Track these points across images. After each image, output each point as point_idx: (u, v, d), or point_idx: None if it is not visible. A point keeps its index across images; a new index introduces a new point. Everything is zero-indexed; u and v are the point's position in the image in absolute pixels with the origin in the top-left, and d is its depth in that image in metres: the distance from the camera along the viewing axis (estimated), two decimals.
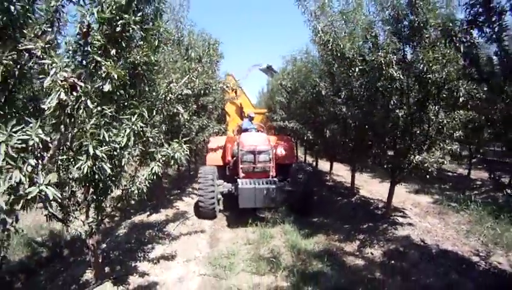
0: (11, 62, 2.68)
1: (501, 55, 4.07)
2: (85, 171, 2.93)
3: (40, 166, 2.43)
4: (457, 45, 5.09)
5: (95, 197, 3.78)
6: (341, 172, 15.58)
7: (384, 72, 6.34)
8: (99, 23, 3.10)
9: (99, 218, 4.09)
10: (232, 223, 9.50)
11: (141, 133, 3.58)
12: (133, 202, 11.23)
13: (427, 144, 6.86)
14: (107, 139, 3.09)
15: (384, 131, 7.26)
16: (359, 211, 9.43)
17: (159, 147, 4.21)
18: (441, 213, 9.15)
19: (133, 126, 3.42)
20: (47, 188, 2.31)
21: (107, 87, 3.16)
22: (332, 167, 14.26)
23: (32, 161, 2.33)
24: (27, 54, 2.87)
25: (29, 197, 2.17)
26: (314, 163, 18.51)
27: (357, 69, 6.97)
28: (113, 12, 3.08)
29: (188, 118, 8.93)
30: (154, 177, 4.17)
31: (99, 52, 3.18)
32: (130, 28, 3.23)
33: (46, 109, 2.62)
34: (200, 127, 10.81)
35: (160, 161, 4.09)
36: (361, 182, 13.26)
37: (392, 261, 6.47)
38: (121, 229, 8.57)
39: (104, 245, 7.21)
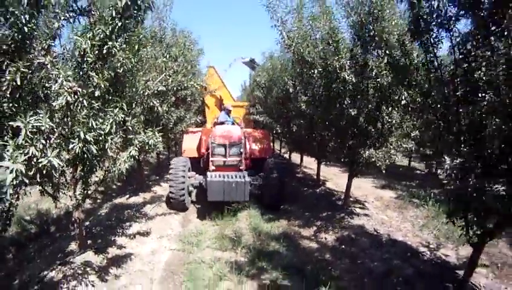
0: (26, 69, 3.57)
1: (427, 65, 4.86)
2: (77, 151, 3.80)
3: (48, 144, 3.39)
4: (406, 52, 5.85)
5: (82, 174, 4.65)
6: (312, 165, 16.52)
7: (338, 74, 7.21)
8: (91, 46, 4.10)
9: (85, 192, 4.94)
10: (203, 211, 9.90)
11: (121, 122, 4.49)
12: (114, 186, 12.05)
13: (380, 141, 7.75)
14: (95, 127, 4.02)
15: (340, 128, 8.10)
16: (322, 201, 10.27)
17: (137, 134, 5.06)
18: (400, 207, 9.86)
19: (115, 117, 4.31)
20: (53, 159, 3.21)
21: (97, 93, 4.19)
22: (302, 160, 15.15)
23: (43, 141, 3.28)
24: (38, 65, 3.80)
25: (40, 165, 3.05)
26: (288, 156, 19.45)
27: (316, 71, 7.82)
28: (101, 39, 4.11)
29: (167, 110, 9.57)
30: (132, 159, 5.00)
31: (91, 67, 4.19)
32: (114, 50, 4.22)
33: (56, 106, 3.66)
34: (178, 118, 11.19)
35: (137, 146, 4.95)
36: (331, 175, 14.19)
37: (343, 246, 7.33)
38: (102, 209, 9.37)
39: (87, 223, 7.97)
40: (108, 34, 4.06)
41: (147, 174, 14.37)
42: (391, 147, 7.64)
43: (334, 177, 13.91)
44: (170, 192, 9.60)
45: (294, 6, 8.03)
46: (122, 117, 4.46)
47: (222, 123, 11.48)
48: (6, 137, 3.19)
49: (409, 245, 6.98)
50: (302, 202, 10.63)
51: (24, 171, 2.67)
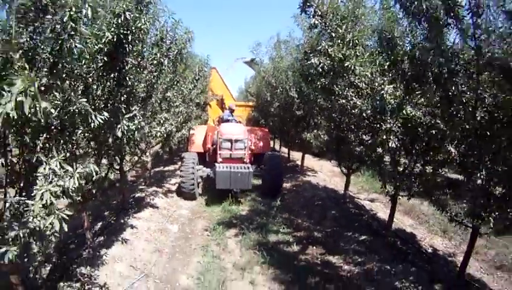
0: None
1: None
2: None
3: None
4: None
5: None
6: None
7: (288, 93, 12.61)
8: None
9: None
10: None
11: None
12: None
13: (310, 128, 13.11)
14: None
15: (291, 125, 13.69)
16: (290, 170, 15.47)
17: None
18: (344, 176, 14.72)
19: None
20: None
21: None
22: (289, 153, 19.34)
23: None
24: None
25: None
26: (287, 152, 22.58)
27: (278, 91, 13.40)
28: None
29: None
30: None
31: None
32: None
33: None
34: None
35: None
36: (312, 162, 18.57)
37: (294, 188, 12.63)
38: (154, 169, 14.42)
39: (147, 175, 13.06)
40: None
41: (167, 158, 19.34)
42: (319, 132, 12.52)
43: (315, 164, 18.33)
44: (182, 182, 10.93)
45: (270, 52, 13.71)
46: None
47: (227, 121, 12.69)
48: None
49: (334, 191, 12.13)
50: None
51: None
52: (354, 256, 7.17)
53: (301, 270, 6.63)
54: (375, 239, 7.77)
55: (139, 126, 4.83)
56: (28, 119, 2.63)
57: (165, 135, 8.76)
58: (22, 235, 2.88)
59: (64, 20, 2.93)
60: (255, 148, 12.45)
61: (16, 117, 2.20)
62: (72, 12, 2.92)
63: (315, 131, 12.64)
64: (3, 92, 2.19)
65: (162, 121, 7.90)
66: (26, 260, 4.78)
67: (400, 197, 6.87)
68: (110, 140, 4.55)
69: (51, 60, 3.17)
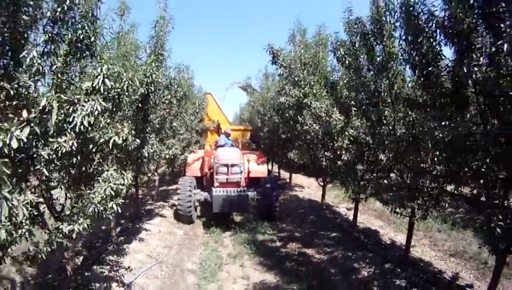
0: None
1: None
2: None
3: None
4: None
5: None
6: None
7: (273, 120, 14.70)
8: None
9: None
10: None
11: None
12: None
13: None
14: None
15: (278, 146, 15.64)
16: (280, 187, 17.00)
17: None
18: (330, 190, 15.80)
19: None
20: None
21: None
22: (279, 171, 21.63)
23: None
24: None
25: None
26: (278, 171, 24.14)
27: (266, 118, 15.40)
28: None
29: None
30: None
31: None
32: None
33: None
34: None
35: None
36: (302, 179, 20.36)
37: (282, 201, 14.33)
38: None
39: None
40: None
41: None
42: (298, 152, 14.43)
43: (304, 181, 20.52)
44: (179, 205, 11.14)
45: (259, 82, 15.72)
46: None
47: (223, 145, 12.92)
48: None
49: (316, 201, 14.00)
50: None
51: None
52: (324, 248, 9.07)
53: (281, 258, 8.48)
54: (343, 235, 9.71)
55: (156, 149, 6.88)
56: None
57: (172, 157, 10.65)
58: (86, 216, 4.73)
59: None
60: (252, 172, 12.62)
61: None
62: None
63: (296, 151, 14.21)
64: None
65: (170, 146, 9.83)
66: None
67: (361, 199, 8.79)
68: (138, 160, 6.57)
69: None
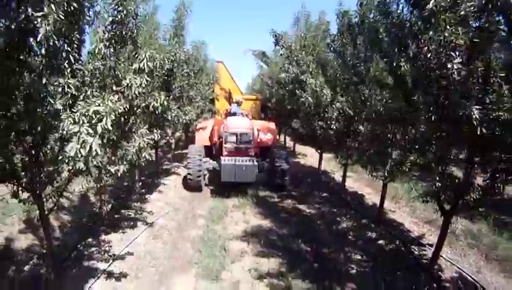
0: None
1: None
2: None
3: None
4: None
5: None
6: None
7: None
8: None
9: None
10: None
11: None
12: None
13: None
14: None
15: (285, 116, 16.93)
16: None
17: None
18: (329, 160, 16.68)
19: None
20: None
21: None
22: (285, 140, 23.40)
23: None
24: None
25: None
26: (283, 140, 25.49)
27: (273, 90, 16.66)
28: None
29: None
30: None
31: None
32: None
33: None
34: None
35: None
36: (307, 149, 21.53)
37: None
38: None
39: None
40: None
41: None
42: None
43: (300, 148, 22.08)
44: (188, 174, 11.17)
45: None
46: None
47: (234, 114, 13.01)
48: None
49: (315, 168, 15.44)
50: None
51: None
52: (315, 205, 10.67)
53: (277, 210, 10.12)
54: (332, 196, 11.32)
55: (177, 114, 8.46)
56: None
57: (188, 122, 12.13)
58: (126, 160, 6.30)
59: None
60: (261, 142, 12.52)
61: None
62: None
63: (298, 121, 14.92)
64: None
65: (186, 112, 11.31)
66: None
67: (348, 164, 10.32)
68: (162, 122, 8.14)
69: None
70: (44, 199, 4.93)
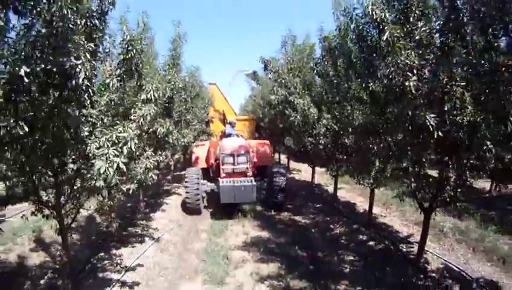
0: None
1: None
2: None
3: None
4: None
5: None
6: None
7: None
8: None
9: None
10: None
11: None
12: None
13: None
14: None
15: (278, 134, 17.73)
16: None
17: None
18: (322, 174, 17.97)
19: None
20: None
21: None
22: (280, 157, 24.25)
23: None
24: None
25: None
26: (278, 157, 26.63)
27: (265, 110, 17.53)
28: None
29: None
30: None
31: None
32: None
33: None
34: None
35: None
36: (301, 165, 22.72)
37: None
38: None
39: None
40: None
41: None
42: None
43: (301, 167, 22.88)
44: (186, 198, 11.14)
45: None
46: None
47: (229, 135, 13.19)
48: None
49: (309, 182, 16.21)
50: None
51: None
52: (309, 215, 11.38)
53: (274, 222, 10.79)
54: (325, 206, 12.03)
55: (176, 137, 9.25)
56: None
57: (186, 144, 12.84)
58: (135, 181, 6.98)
59: None
60: (258, 161, 12.63)
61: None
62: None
63: (289, 138, 15.72)
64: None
65: (184, 135, 12.03)
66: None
67: (339, 175, 11.09)
68: (165, 145, 8.88)
69: None
70: (64, 215, 5.55)
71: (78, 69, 3.48)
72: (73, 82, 3.58)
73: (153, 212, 11.15)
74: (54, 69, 3.50)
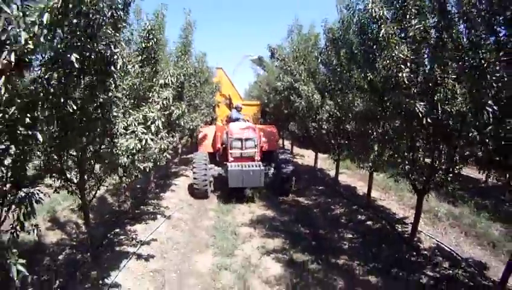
0: None
1: None
2: None
3: None
4: None
5: None
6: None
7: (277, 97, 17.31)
8: None
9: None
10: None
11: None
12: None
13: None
14: None
15: (282, 120, 18.21)
16: None
17: None
18: (325, 159, 18.42)
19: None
20: None
21: None
22: (283, 142, 24.68)
23: None
24: None
25: None
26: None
27: (271, 95, 17.96)
28: None
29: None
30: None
31: None
32: None
33: None
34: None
35: None
36: (304, 150, 23.25)
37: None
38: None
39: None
40: None
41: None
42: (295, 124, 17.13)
43: (298, 150, 23.48)
44: (194, 183, 11.23)
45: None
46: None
47: (236, 120, 13.16)
48: None
49: (312, 166, 16.72)
50: None
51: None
52: (312, 197, 11.94)
53: (278, 203, 11.36)
54: (326, 189, 12.60)
55: (187, 121, 9.80)
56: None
57: (194, 127, 13.31)
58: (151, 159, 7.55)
59: None
60: (264, 146, 12.55)
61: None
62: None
63: (294, 123, 16.24)
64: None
65: (193, 119, 12.54)
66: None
67: (340, 159, 11.63)
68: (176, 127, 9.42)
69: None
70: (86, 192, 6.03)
71: (115, 57, 3.99)
72: (112, 68, 4.09)
73: (163, 192, 11.74)
74: (92, 56, 3.97)
